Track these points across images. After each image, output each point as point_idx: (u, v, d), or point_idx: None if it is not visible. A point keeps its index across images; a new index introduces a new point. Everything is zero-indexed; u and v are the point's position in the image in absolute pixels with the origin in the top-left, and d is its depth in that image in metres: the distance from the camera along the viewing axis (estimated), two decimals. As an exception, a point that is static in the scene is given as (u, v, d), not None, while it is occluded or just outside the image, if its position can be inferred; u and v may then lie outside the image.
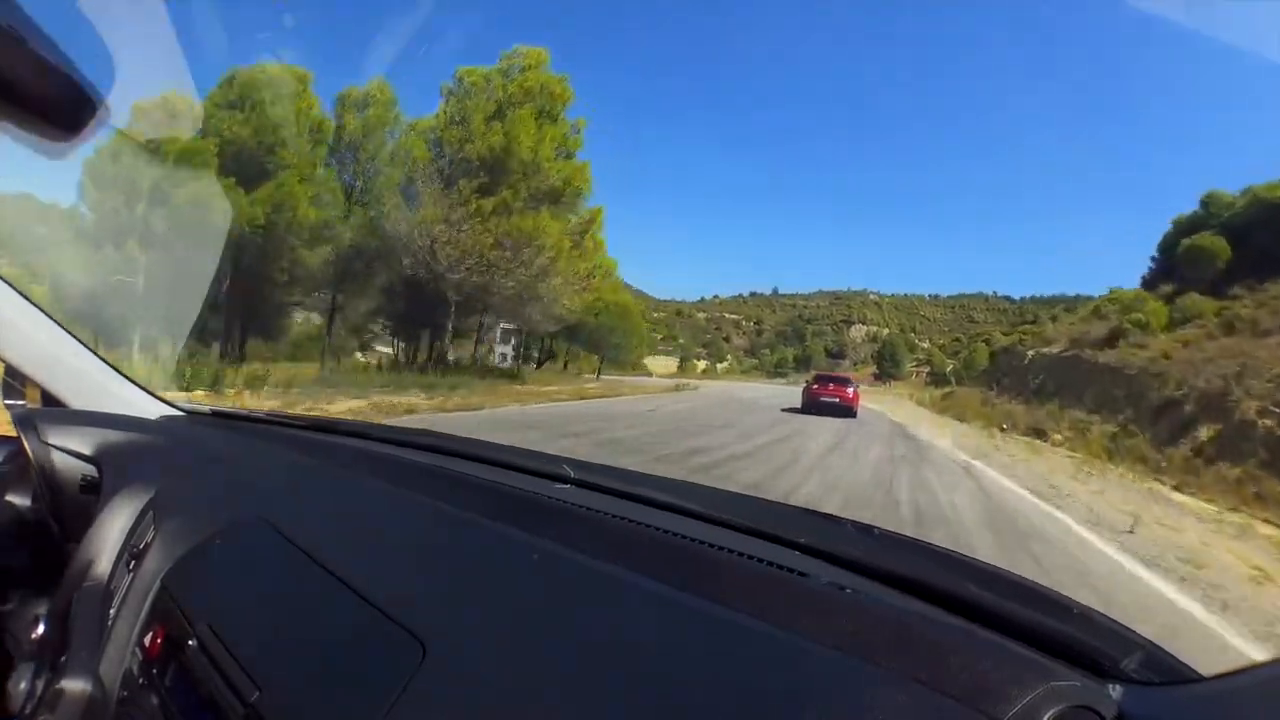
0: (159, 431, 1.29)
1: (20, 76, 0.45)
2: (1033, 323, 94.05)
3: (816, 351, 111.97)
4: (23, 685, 0.96)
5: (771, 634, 0.54)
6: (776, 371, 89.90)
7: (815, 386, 18.15)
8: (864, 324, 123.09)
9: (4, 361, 1.24)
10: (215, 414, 1.51)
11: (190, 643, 0.73)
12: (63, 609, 0.98)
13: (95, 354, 1.34)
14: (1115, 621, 0.60)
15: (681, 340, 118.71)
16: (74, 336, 1.29)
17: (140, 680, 0.81)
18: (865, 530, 0.86)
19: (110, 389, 1.35)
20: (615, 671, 0.53)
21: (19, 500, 1.14)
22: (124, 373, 1.40)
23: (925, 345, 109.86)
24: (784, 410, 17.46)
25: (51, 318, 1.24)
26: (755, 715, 0.47)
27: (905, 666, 0.48)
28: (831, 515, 0.89)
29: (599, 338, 32.76)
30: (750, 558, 0.69)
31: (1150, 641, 0.55)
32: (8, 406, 1.29)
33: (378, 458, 1.18)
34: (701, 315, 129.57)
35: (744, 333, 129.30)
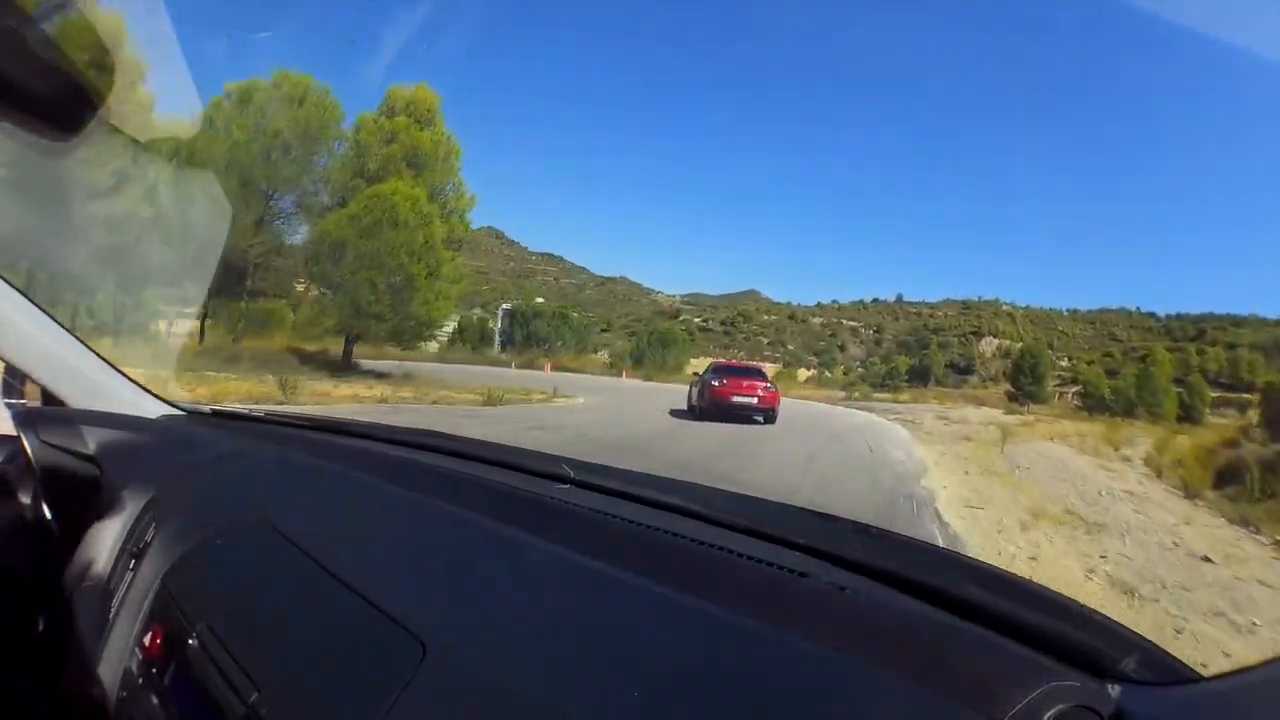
0: (159, 431, 1.30)
1: (20, 76, 0.45)
2: (1198, 339, 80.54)
3: (937, 363, 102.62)
4: (23, 685, 0.97)
5: (771, 634, 0.54)
6: (884, 384, 73.13)
7: (722, 383, 12.33)
8: (995, 337, 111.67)
9: (4, 361, 1.25)
10: (215, 413, 1.52)
11: (190, 643, 0.73)
12: (63, 609, 0.99)
13: (95, 353, 1.35)
14: (1115, 621, 0.59)
15: (791, 346, 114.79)
16: (74, 336, 1.29)
17: (140, 680, 0.81)
18: (865, 530, 0.85)
19: (110, 388, 1.35)
20: (615, 672, 0.53)
21: (19, 500, 1.14)
22: (124, 372, 1.40)
23: (1064, 363, 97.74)
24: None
25: (52, 317, 1.25)
26: (755, 715, 0.47)
27: (905, 667, 0.48)
28: (831, 515, 0.89)
29: (325, 272, 16.23)
30: (750, 558, 0.69)
31: (1150, 641, 0.55)
32: (8, 406, 1.31)
33: (378, 457, 1.19)
34: (817, 321, 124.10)
35: (861, 341, 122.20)
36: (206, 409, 1.51)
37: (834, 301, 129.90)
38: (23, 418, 1.20)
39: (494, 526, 0.79)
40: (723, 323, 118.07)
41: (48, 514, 1.15)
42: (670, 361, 55.25)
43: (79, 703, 0.85)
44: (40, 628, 1.04)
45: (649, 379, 38.77)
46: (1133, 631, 0.57)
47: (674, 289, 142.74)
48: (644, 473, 1.10)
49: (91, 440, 1.19)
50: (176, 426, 1.36)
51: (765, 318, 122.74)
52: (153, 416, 1.37)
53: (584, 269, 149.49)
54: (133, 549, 0.98)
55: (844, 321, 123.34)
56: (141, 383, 1.42)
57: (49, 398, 1.30)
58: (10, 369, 1.28)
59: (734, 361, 18.92)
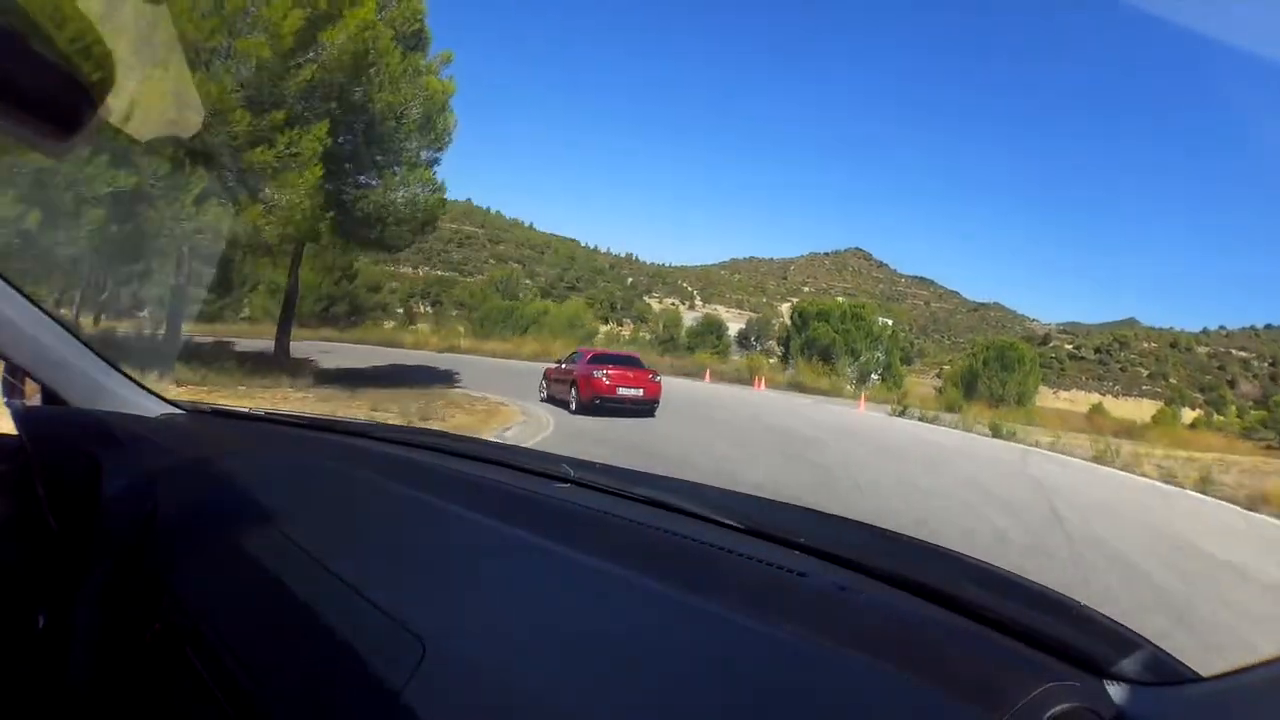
0: (159, 430, 1.30)
1: (20, 76, 0.45)
2: None
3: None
4: (24, 683, 0.97)
5: (771, 634, 0.54)
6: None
7: (606, 375, 11.12)
8: None
9: (4, 360, 1.24)
10: (215, 412, 1.52)
11: (190, 641, 0.74)
12: (63, 608, 0.99)
13: (96, 352, 1.34)
14: (1115, 621, 0.59)
15: (1173, 380, 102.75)
16: (74, 335, 1.29)
17: (140, 679, 0.81)
18: (865, 530, 0.85)
19: (111, 387, 1.35)
20: (615, 671, 0.53)
21: (19, 500, 1.14)
22: (124, 371, 1.40)
23: None
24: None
25: (52, 316, 1.24)
26: (756, 715, 0.47)
27: (905, 666, 0.48)
28: (831, 515, 0.90)
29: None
30: (750, 558, 0.70)
31: (1150, 641, 0.55)
32: (8, 405, 1.29)
33: (378, 456, 1.19)
34: (1202, 350, 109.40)
35: (1254, 375, 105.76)
36: (207, 408, 1.51)
37: (1221, 327, 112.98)
38: (23, 417, 1.20)
39: (494, 526, 0.79)
40: (1096, 350, 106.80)
41: (48, 514, 1.14)
42: (1011, 389, 33.79)
43: (80, 701, 0.84)
44: (41, 626, 1.03)
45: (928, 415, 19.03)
46: (1133, 631, 0.56)
47: (1050, 317, 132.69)
48: (644, 472, 1.09)
49: (92, 439, 1.18)
50: (177, 426, 1.36)
51: (1144, 345, 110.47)
52: (153, 416, 1.37)
53: (956, 293, 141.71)
54: (133, 548, 0.99)
55: (1233, 351, 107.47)
56: (142, 382, 1.42)
57: (49, 397, 1.29)
58: (10, 368, 1.28)
59: (608, 350, 16.20)
